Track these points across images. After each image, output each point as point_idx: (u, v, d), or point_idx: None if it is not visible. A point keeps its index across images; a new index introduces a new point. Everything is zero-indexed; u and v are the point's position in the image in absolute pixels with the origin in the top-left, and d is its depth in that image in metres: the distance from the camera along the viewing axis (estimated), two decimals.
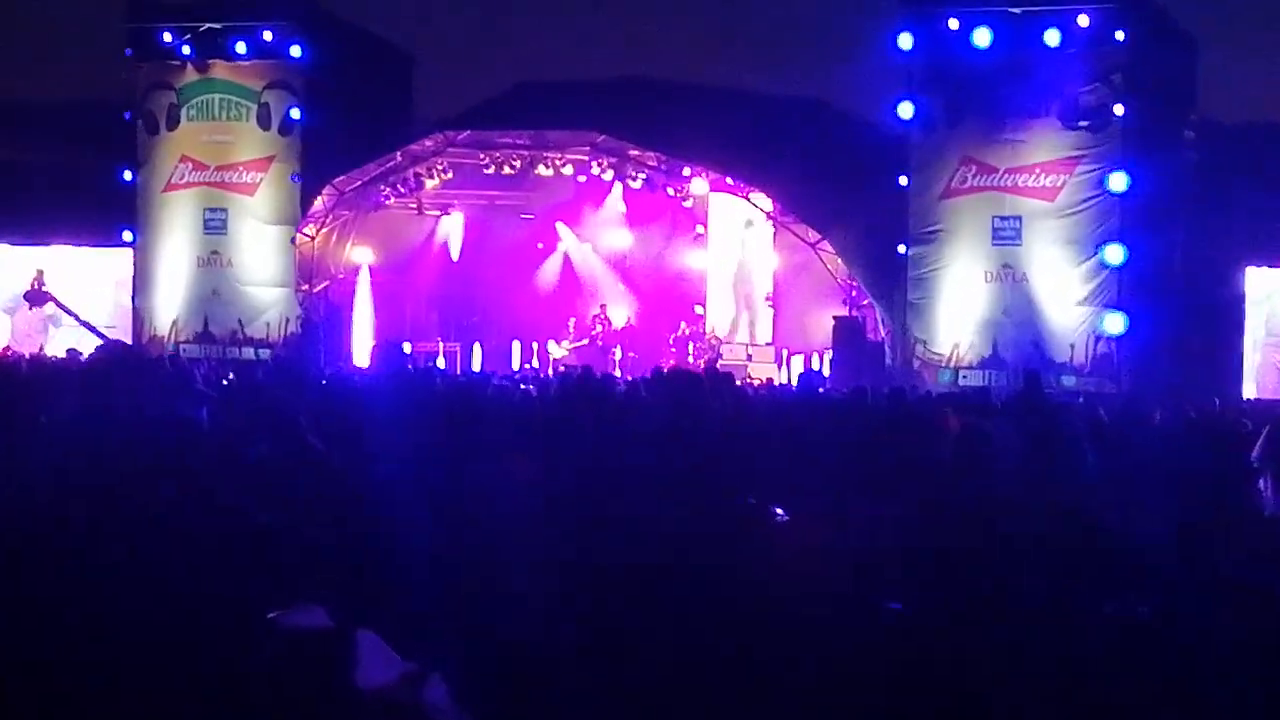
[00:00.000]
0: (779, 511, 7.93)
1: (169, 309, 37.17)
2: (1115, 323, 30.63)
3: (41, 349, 34.13)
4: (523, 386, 23.07)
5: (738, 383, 19.38)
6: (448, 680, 5.15)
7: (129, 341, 35.57)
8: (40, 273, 36.42)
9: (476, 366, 35.82)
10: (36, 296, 34.71)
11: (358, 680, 5.05)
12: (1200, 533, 8.25)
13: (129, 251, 37.82)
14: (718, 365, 31.29)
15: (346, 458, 8.40)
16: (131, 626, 5.40)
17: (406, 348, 34.59)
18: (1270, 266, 31.95)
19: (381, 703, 5.06)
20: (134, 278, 37.65)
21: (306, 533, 6.43)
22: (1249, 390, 31.01)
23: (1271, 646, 6.58)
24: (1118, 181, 30.46)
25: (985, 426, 7.98)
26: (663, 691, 6.23)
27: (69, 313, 34.24)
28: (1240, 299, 31.91)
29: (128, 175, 37.32)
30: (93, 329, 37.02)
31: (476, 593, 6.70)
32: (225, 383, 21.84)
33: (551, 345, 37.39)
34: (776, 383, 31.90)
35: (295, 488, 7.68)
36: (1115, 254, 30.62)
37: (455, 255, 39.43)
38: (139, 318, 37.17)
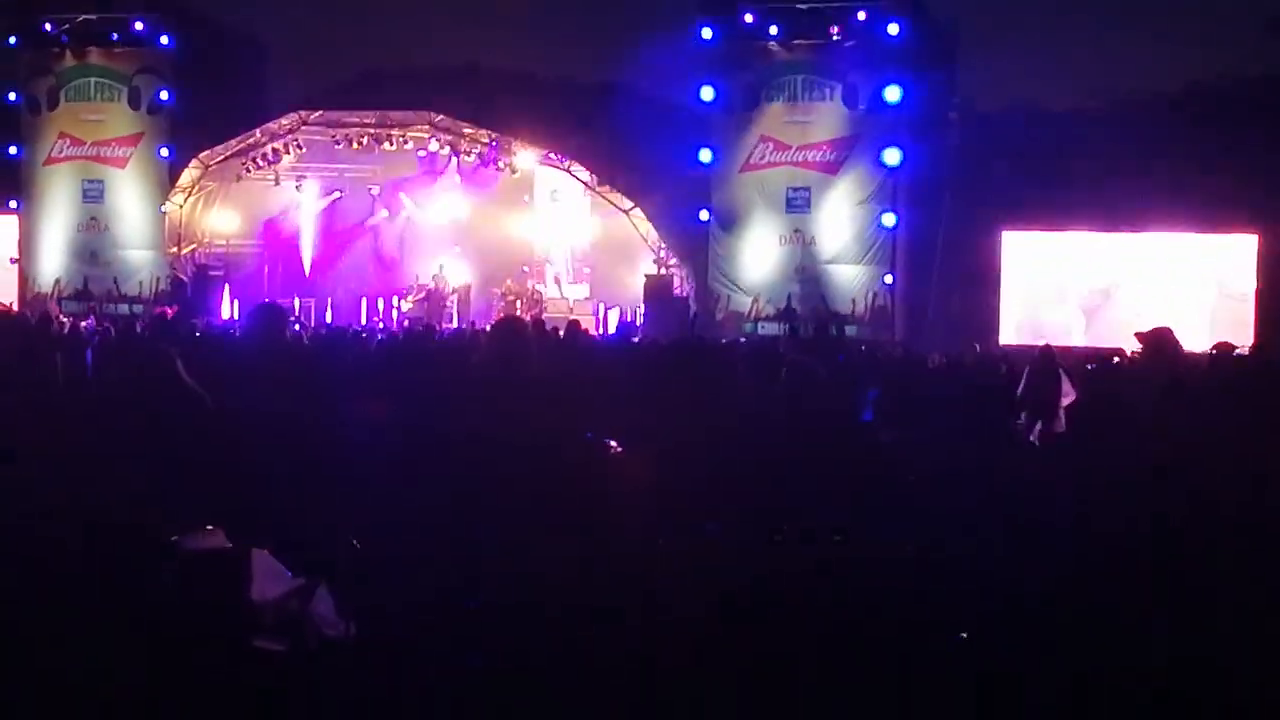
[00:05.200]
0: (613, 444, 7.97)
1: (51, 269, 36.79)
2: (888, 278, 31.15)
3: None
4: (379, 336, 22.94)
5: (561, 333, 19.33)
6: (332, 592, 5.17)
7: (13, 299, 35.09)
8: None
9: (329, 319, 35.56)
10: None
11: (253, 594, 5.04)
12: (970, 457, 8.40)
13: (15, 219, 37.29)
14: (542, 318, 31.20)
15: (221, 397, 8.27)
16: (42, 555, 5.32)
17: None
18: (1022, 229, 32.45)
19: (274, 613, 5.05)
20: (19, 242, 37.10)
21: (198, 462, 6.37)
22: (1006, 338, 31.46)
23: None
24: (892, 156, 30.91)
25: (811, 364, 8.04)
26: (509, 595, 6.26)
27: None
28: (997, 259, 32.40)
29: (13, 150, 37.00)
30: None
31: (349, 515, 6.68)
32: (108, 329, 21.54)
33: (401, 301, 37.18)
34: (595, 332, 31.93)
35: (175, 421, 7.56)
36: (889, 219, 31.12)
37: (309, 221, 39.08)
38: (23, 278, 36.68)
